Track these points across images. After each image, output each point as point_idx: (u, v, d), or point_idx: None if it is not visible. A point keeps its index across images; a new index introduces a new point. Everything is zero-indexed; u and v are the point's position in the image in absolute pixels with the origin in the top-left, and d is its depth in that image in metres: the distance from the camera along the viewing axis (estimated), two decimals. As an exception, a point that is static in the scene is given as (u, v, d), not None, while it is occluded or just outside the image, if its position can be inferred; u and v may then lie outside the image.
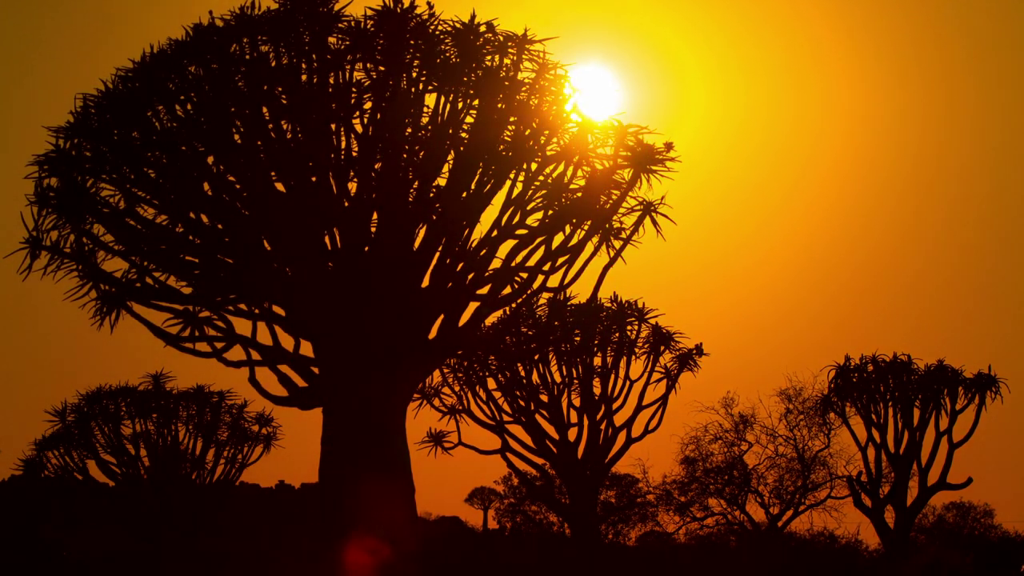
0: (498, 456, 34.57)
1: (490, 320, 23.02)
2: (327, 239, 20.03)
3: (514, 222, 20.22)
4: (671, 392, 34.89)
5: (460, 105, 19.81)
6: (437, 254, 20.14)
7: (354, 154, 19.81)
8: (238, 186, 19.85)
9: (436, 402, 34.44)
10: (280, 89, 19.71)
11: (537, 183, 20.26)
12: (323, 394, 20.19)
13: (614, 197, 20.49)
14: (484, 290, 20.39)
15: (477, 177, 19.98)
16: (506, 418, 34.46)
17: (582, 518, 34.36)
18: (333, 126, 19.76)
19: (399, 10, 19.69)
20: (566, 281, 20.60)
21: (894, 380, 39.15)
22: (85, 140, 20.11)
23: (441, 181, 19.99)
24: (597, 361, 34.46)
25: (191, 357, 20.52)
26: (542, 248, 20.38)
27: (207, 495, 35.21)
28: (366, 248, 20.00)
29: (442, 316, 20.38)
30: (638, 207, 20.61)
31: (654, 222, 20.60)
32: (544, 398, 34.44)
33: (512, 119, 19.97)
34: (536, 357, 34.28)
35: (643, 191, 20.47)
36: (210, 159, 19.82)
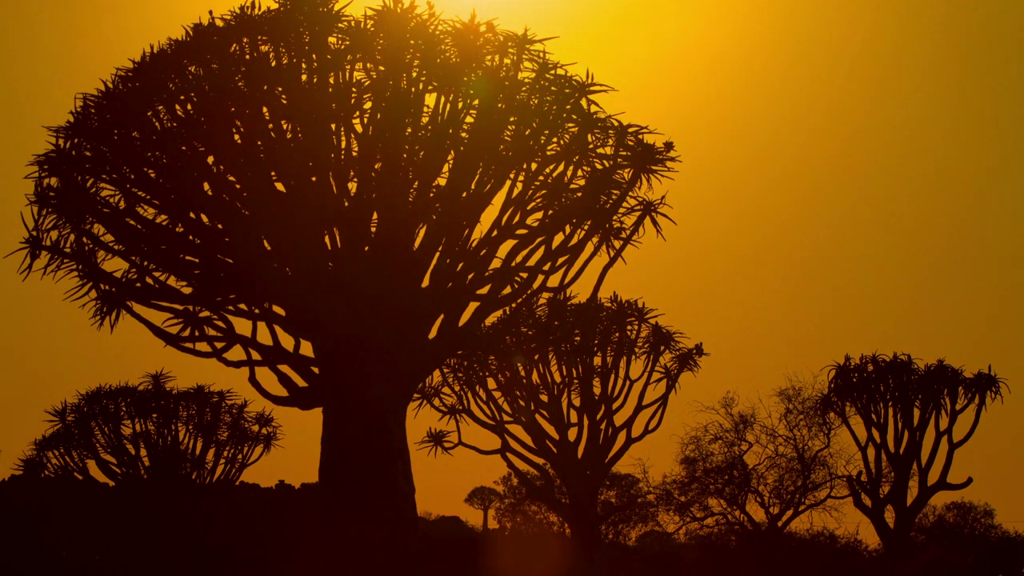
0: (498, 456, 34.60)
1: (490, 320, 23.04)
2: (327, 239, 20.04)
3: (514, 222, 20.22)
4: (671, 392, 34.93)
5: (460, 105, 19.82)
6: (437, 254, 20.14)
7: (354, 154, 19.81)
8: (238, 186, 19.85)
9: (436, 402, 34.48)
10: (280, 89, 19.72)
11: (537, 183, 20.27)
12: (323, 394, 20.19)
13: (614, 197, 20.50)
14: (484, 290, 20.40)
15: (477, 177, 19.99)
16: (506, 418, 34.49)
17: (582, 518, 34.36)
18: (333, 126, 19.77)
19: (399, 10, 19.70)
20: (566, 281, 20.61)
21: (894, 380, 39.14)
22: (85, 140, 20.11)
23: (441, 181, 20.00)
24: (597, 361, 34.47)
25: (191, 357, 20.54)
26: (542, 248, 20.39)
27: (207, 495, 35.21)
28: (366, 248, 20.00)
29: (442, 316, 20.39)
30: (638, 207, 20.63)
31: (654, 222, 20.62)
32: (544, 398, 34.46)
33: (512, 119, 19.98)
34: (536, 357, 34.30)
35: (643, 191, 20.50)
36: (210, 159, 19.82)
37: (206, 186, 19.84)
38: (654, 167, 20.34)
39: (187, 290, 20.31)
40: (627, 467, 52.44)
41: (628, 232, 20.71)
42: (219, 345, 20.36)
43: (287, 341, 20.49)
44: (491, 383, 34.50)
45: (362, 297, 19.92)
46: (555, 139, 20.24)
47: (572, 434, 34.41)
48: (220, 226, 19.94)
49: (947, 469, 38.96)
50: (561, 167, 20.29)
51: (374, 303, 19.95)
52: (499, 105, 19.86)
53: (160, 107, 19.91)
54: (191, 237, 20.08)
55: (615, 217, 20.63)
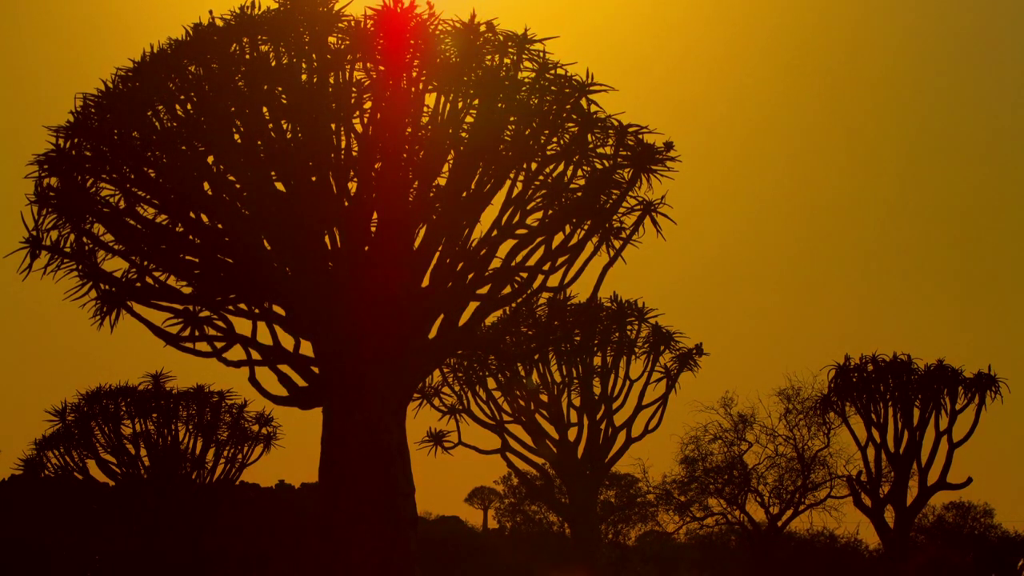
0: (498, 456, 34.62)
1: (490, 320, 23.04)
2: (327, 239, 20.04)
3: (514, 222, 20.23)
4: (671, 392, 34.95)
5: (460, 105, 19.82)
6: (437, 254, 20.15)
7: (354, 154, 19.82)
8: (238, 186, 19.86)
9: (436, 402, 34.51)
10: (280, 89, 19.72)
11: (537, 183, 20.27)
12: (323, 394, 20.19)
13: (614, 197, 20.50)
14: (484, 290, 20.40)
15: (477, 177, 19.99)
16: (506, 418, 34.50)
17: (582, 518, 34.37)
18: (333, 126, 19.77)
19: (399, 10, 19.70)
20: (566, 281, 20.61)
21: (894, 380, 39.08)
22: (85, 140, 20.11)
23: (441, 181, 20.01)
24: (597, 361, 34.50)
25: (191, 357, 20.54)
26: (542, 248, 20.39)
27: (207, 495, 35.21)
28: (366, 248, 20.01)
29: (442, 316, 20.39)
30: (638, 207, 20.63)
31: (654, 222, 20.62)
32: (544, 398, 34.47)
33: (512, 119, 19.98)
34: (536, 357, 34.32)
35: (643, 191, 20.51)
36: (210, 159, 19.83)
37: (206, 186, 19.85)
38: (654, 167, 20.34)
39: (187, 290, 20.32)
40: (627, 467, 52.48)
41: (628, 232, 20.72)
42: (219, 345, 20.37)
43: (287, 341, 20.51)
44: (491, 383, 34.53)
45: (362, 297, 19.91)
46: (555, 139, 20.24)
47: (572, 434, 34.43)
48: (220, 226, 19.95)
49: (947, 469, 38.91)
50: (561, 167, 20.30)
51: (374, 303, 19.94)
52: (499, 105, 19.86)
53: (160, 107, 19.92)
54: (191, 237, 20.09)
55: (615, 217, 20.64)
